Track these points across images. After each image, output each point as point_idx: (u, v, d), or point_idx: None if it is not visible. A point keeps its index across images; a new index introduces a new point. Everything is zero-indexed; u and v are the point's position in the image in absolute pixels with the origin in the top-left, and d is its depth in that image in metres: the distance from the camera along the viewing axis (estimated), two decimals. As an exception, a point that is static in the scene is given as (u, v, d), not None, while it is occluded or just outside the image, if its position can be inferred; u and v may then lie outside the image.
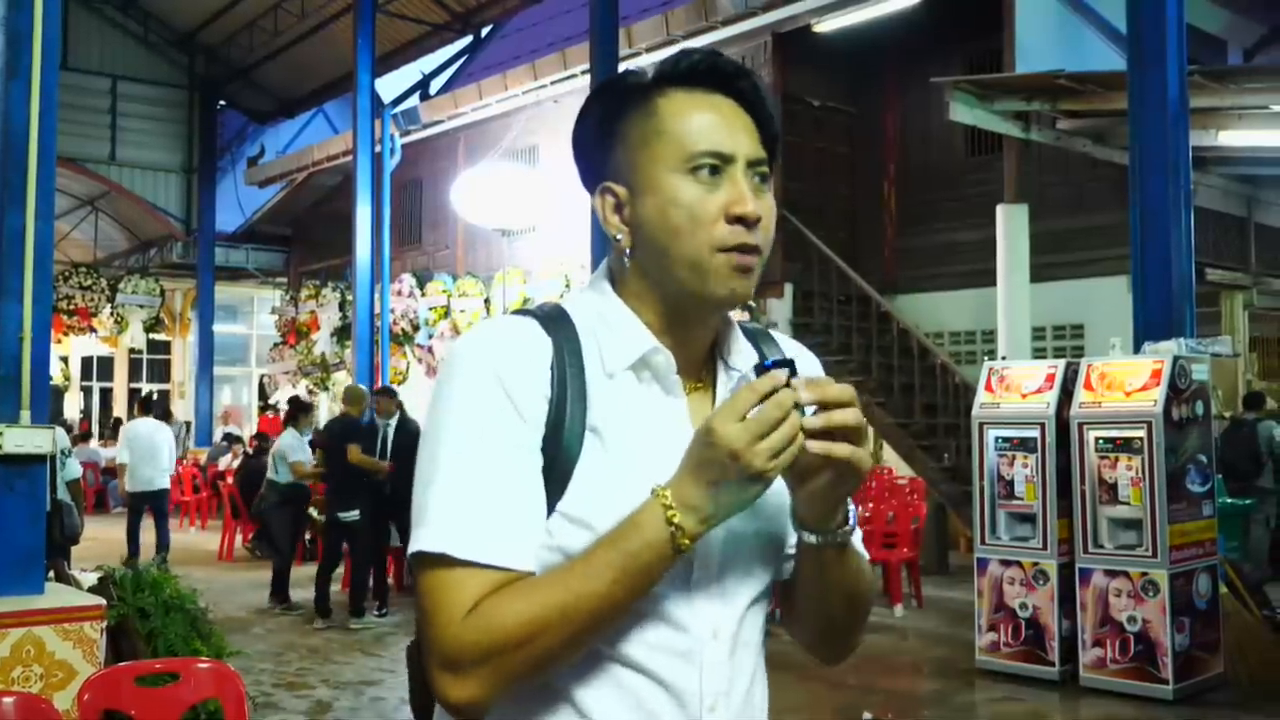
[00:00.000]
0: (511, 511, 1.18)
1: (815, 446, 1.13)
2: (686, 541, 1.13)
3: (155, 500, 11.67)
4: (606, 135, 1.30)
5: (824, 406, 1.14)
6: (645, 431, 1.24)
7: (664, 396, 1.27)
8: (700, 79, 1.28)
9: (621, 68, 11.71)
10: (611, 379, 1.25)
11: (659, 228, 1.24)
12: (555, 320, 1.27)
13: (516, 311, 1.31)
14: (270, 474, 10.05)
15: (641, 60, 13.33)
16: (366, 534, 8.94)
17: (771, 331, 1.46)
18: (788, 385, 1.13)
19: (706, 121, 1.25)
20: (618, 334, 1.27)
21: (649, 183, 1.25)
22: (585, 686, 1.20)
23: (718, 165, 1.24)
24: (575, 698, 1.20)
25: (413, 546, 1.18)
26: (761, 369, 1.16)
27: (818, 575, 1.28)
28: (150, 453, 11.59)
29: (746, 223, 1.23)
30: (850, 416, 1.14)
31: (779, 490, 1.24)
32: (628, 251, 1.28)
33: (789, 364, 1.15)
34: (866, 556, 1.37)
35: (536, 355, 1.23)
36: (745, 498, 1.14)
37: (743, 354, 1.35)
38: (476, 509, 1.17)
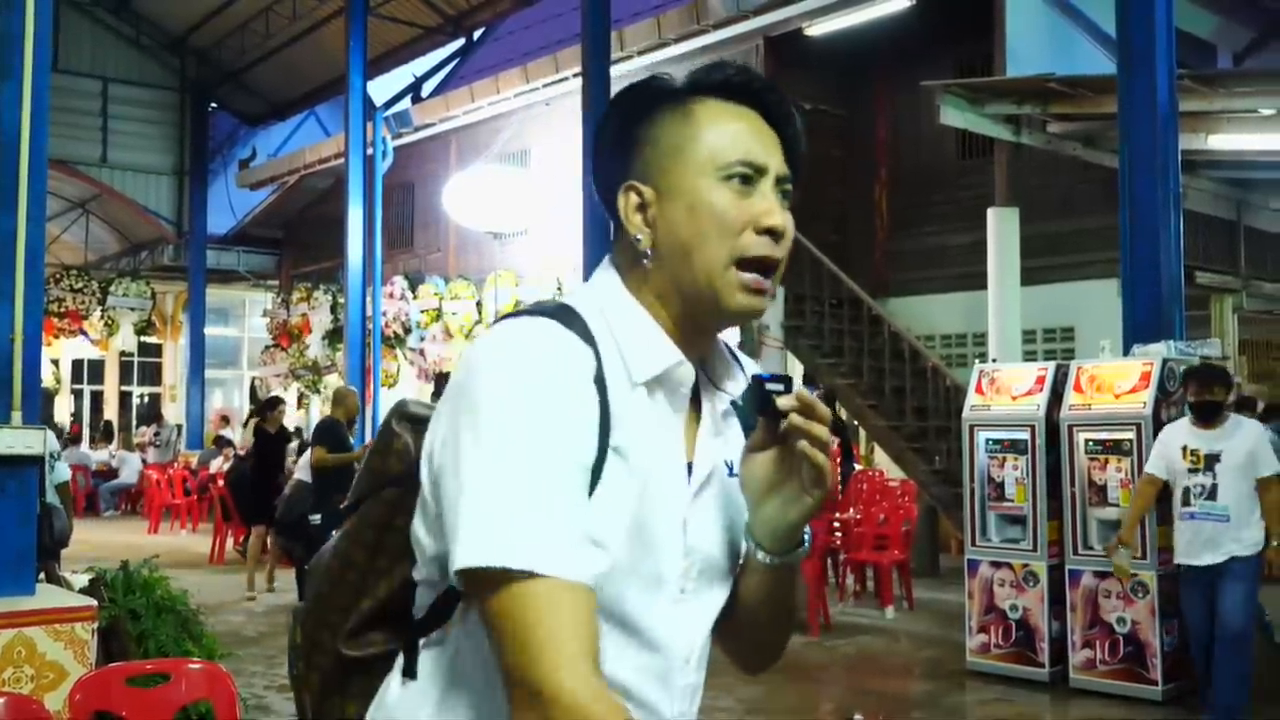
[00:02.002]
0: (575, 524, 1.10)
1: (798, 420, 1.19)
2: None
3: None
4: (632, 136, 1.27)
5: (808, 414, 1.19)
6: (656, 451, 1.20)
7: (669, 413, 1.23)
8: (732, 92, 1.28)
9: (613, 71, 11.78)
10: (632, 391, 1.20)
11: (684, 231, 1.22)
12: (579, 326, 1.18)
13: (540, 312, 1.19)
14: None
15: (633, 64, 13.37)
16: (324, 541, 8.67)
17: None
18: (773, 403, 1.19)
19: (742, 132, 1.25)
20: (641, 343, 1.22)
21: (678, 186, 1.23)
22: None
23: (750, 175, 1.23)
24: None
25: (480, 559, 1.04)
26: (759, 381, 1.20)
27: (763, 592, 1.30)
28: None
29: (775, 235, 1.22)
30: (825, 432, 1.20)
31: (741, 508, 1.27)
32: (647, 253, 1.24)
33: (786, 380, 1.20)
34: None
35: (587, 371, 1.15)
36: None
37: (733, 377, 1.31)
38: (553, 520, 1.07)
